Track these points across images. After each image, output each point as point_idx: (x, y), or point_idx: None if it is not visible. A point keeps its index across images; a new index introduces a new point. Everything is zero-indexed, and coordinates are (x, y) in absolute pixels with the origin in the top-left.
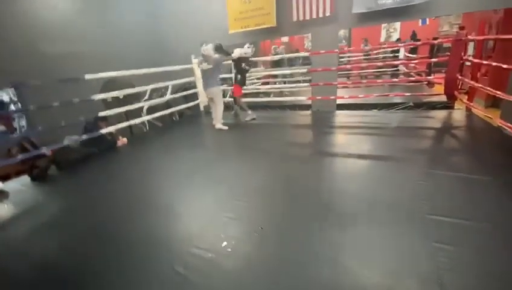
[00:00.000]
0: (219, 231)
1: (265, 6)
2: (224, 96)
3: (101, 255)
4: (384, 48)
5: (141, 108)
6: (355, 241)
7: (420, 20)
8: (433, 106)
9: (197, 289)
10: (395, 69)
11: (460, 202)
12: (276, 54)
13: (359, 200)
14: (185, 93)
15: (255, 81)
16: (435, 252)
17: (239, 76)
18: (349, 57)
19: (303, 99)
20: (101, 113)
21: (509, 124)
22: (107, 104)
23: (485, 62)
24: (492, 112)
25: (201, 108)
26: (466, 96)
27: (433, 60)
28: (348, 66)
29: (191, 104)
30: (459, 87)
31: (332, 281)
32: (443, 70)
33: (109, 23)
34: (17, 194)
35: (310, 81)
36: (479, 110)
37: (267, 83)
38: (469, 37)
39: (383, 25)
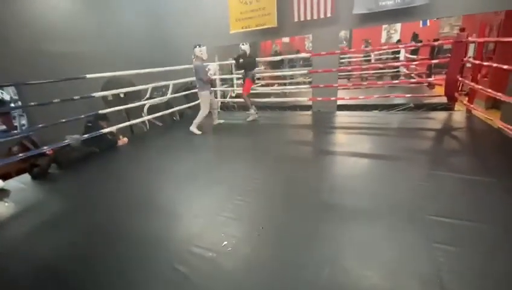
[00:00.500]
0: (219, 230)
1: (266, 7)
2: (224, 96)
3: (101, 254)
4: (384, 49)
5: (142, 108)
6: (355, 241)
7: (421, 22)
8: (434, 108)
9: (197, 288)
10: (395, 70)
11: (461, 203)
12: (275, 52)
13: (359, 201)
14: (185, 93)
15: (255, 81)
16: (435, 253)
17: (251, 72)
18: (349, 58)
19: (304, 100)
20: (102, 112)
21: (509, 126)
22: (107, 104)
23: (485, 63)
24: (492, 113)
25: None
26: (466, 98)
27: (434, 61)
28: (349, 68)
29: (192, 104)
30: (460, 88)
31: (332, 282)
32: (443, 72)
33: (110, 23)
34: (18, 193)
35: (310, 82)
36: (479, 112)
37: (272, 85)
38: (470, 38)
39: (384, 26)
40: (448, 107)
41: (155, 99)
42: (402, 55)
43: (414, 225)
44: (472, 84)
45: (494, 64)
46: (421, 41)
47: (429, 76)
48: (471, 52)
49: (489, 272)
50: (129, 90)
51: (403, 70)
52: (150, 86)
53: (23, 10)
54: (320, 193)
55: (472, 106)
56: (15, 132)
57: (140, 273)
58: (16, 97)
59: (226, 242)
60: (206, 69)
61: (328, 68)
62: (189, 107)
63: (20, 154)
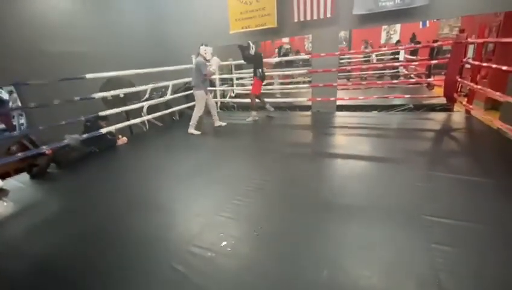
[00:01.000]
0: (219, 230)
1: (266, 7)
2: (224, 96)
3: (100, 253)
4: (384, 50)
5: (141, 107)
6: (354, 241)
7: (421, 23)
8: (433, 108)
9: (196, 288)
10: (395, 71)
11: (459, 203)
12: (287, 50)
13: (358, 201)
14: (185, 93)
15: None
16: (433, 253)
17: (259, 70)
18: (349, 58)
19: (303, 100)
20: (101, 113)
21: (508, 127)
22: (107, 103)
23: (484, 64)
24: (491, 114)
25: None
26: (465, 99)
27: (433, 62)
28: (348, 68)
29: (191, 103)
30: (459, 89)
31: (331, 282)
32: (443, 73)
33: (110, 23)
34: (17, 192)
35: (310, 82)
36: (478, 113)
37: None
38: (469, 39)
39: (384, 27)
40: (447, 108)
41: (155, 99)
42: (401, 56)
43: (413, 226)
44: (471, 85)
45: (494, 65)
46: (418, 43)
47: (428, 77)
48: (470, 53)
49: (487, 273)
50: (129, 91)
51: (402, 70)
52: (150, 86)
53: (23, 10)
54: (319, 193)
55: (471, 106)
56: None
57: (139, 272)
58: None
59: (225, 242)
60: (208, 64)
61: (328, 68)
62: (188, 107)
63: (19, 154)
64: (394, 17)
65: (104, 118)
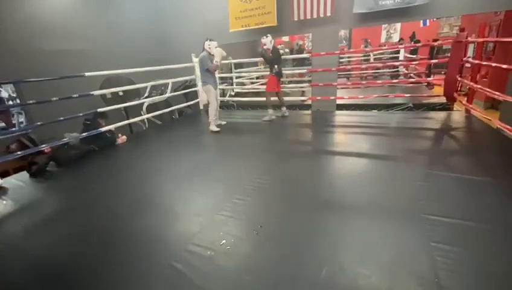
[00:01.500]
0: (218, 229)
1: (266, 6)
2: (224, 95)
3: (99, 252)
4: (384, 49)
5: (141, 106)
6: (353, 240)
7: (421, 21)
8: (433, 107)
9: (196, 286)
10: (395, 70)
11: (459, 202)
12: (300, 47)
13: (358, 200)
14: (185, 91)
15: (255, 80)
16: (433, 252)
17: (275, 66)
18: (349, 57)
19: (303, 99)
20: (101, 110)
21: (507, 126)
22: (106, 102)
23: (484, 63)
24: (491, 113)
25: (201, 106)
26: (465, 98)
27: (433, 61)
28: (348, 67)
29: (191, 102)
30: (459, 88)
31: (330, 281)
32: (443, 72)
33: (109, 21)
34: (16, 191)
35: (310, 81)
36: (478, 112)
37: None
38: (469, 38)
39: (384, 26)
40: (447, 107)
41: (154, 97)
42: (401, 55)
43: (412, 224)
44: (471, 84)
45: (494, 64)
46: (418, 41)
47: (428, 76)
48: (470, 52)
49: (487, 272)
50: (128, 88)
51: (402, 70)
52: (149, 84)
53: (22, 8)
54: (319, 192)
55: (471, 106)
56: (13, 129)
57: (138, 271)
58: (14, 95)
59: (224, 241)
60: (214, 53)
61: (328, 67)
62: (188, 106)
63: (18, 152)
64: (394, 15)
65: (104, 116)
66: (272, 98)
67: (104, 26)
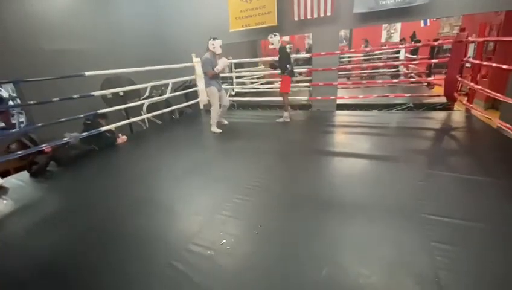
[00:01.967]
0: (218, 228)
1: (266, 5)
2: None
3: (99, 252)
4: (384, 48)
5: (141, 106)
6: (353, 240)
7: (422, 21)
8: (433, 107)
9: (196, 286)
10: (395, 70)
11: (459, 202)
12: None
13: (358, 199)
14: (185, 91)
15: (255, 80)
16: (433, 251)
17: (288, 65)
18: (349, 57)
19: (303, 98)
20: (101, 111)
21: (508, 126)
22: (107, 102)
23: (485, 63)
24: (491, 113)
25: (201, 106)
26: (466, 98)
27: (434, 61)
28: (349, 67)
29: (191, 102)
30: (459, 88)
31: (330, 280)
32: (443, 72)
33: (110, 21)
34: (17, 190)
35: (310, 81)
36: (478, 112)
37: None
38: (469, 38)
39: (384, 26)
40: (447, 107)
41: (154, 98)
42: (402, 55)
43: (412, 224)
44: (471, 84)
45: (494, 64)
46: (418, 41)
47: (429, 76)
48: (470, 52)
49: (487, 271)
50: (128, 88)
51: (403, 69)
52: (149, 84)
53: (22, 7)
54: (319, 191)
55: (471, 105)
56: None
57: (138, 270)
58: (15, 95)
59: (224, 240)
60: (218, 61)
61: (328, 67)
62: (188, 106)
63: (19, 152)
64: (394, 15)
65: (104, 116)
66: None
67: (104, 25)
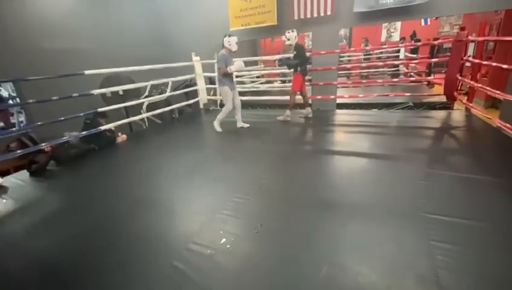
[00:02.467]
0: (218, 228)
1: (266, 5)
2: None
3: (99, 251)
4: (384, 47)
5: (141, 105)
6: (353, 239)
7: (422, 20)
8: (433, 106)
9: (196, 285)
10: (395, 69)
11: (459, 201)
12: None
13: (358, 199)
14: (185, 90)
15: (255, 79)
16: (433, 251)
17: (298, 65)
18: (349, 56)
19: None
20: (101, 109)
21: (508, 125)
22: (106, 101)
23: (485, 63)
24: (491, 112)
25: (201, 106)
26: (466, 97)
27: (433, 60)
28: (349, 66)
29: (191, 101)
30: (459, 87)
31: (330, 279)
32: (443, 71)
33: (109, 20)
34: (16, 190)
35: (310, 80)
36: (478, 111)
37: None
38: (469, 38)
39: (384, 25)
40: (447, 106)
41: (154, 97)
42: (402, 54)
43: (412, 223)
44: (471, 83)
45: (494, 64)
46: (418, 40)
47: (429, 75)
48: (470, 51)
49: (487, 270)
50: (128, 87)
51: (403, 69)
52: (149, 83)
53: (23, 7)
54: (319, 191)
55: (471, 105)
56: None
57: (139, 270)
58: (14, 94)
59: (224, 240)
60: (232, 61)
61: (328, 66)
62: (188, 105)
63: (18, 151)
64: (394, 14)
65: (104, 115)
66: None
67: (104, 24)
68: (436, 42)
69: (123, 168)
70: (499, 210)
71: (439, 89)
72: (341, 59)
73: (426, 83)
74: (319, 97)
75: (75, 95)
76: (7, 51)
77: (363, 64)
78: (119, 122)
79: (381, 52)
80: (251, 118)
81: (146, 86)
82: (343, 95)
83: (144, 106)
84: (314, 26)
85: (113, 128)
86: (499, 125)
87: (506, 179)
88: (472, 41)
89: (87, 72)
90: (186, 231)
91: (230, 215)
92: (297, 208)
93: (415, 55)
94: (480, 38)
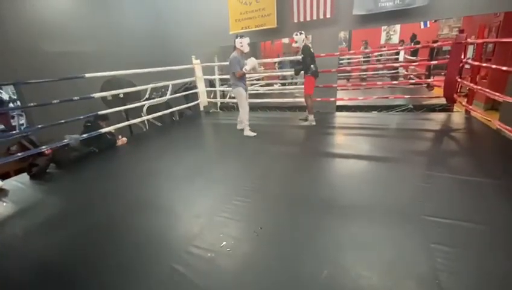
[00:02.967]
0: (218, 230)
1: (266, 8)
2: (224, 96)
3: (100, 254)
4: (384, 50)
5: (141, 107)
6: (354, 241)
7: (422, 23)
8: (433, 109)
9: (196, 288)
10: (394, 71)
11: (459, 203)
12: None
13: (358, 201)
14: (185, 93)
15: (255, 82)
16: (433, 253)
17: (312, 65)
18: (349, 59)
19: (303, 100)
20: (101, 113)
21: (507, 127)
22: (107, 103)
23: (484, 65)
24: (491, 114)
25: (201, 108)
26: (465, 99)
27: (433, 62)
28: (348, 68)
29: (191, 104)
30: (459, 90)
31: (330, 282)
32: (443, 73)
33: (110, 23)
34: (17, 192)
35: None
36: (478, 113)
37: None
38: (469, 40)
39: (383, 27)
40: (447, 108)
41: (155, 99)
42: (401, 56)
43: (412, 226)
44: (471, 85)
45: (493, 66)
46: (418, 43)
47: (428, 77)
48: (470, 53)
49: (487, 273)
50: (128, 90)
51: (402, 71)
52: (150, 86)
53: (23, 9)
54: (319, 193)
55: (471, 107)
56: (14, 132)
57: (139, 273)
58: (15, 97)
59: (225, 242)
60: (244, 62)
61: (328, 69)
62: (188, 108)
63: (19, 154)
64: (394, 17)
65: (104, 118)
66: (273, 100)
67: (104, 27)
68: (435, 44)
69: (123, 170)
70: (498, 212)
71: (438, 91)
72: (341, 62)
73: (426, 85)
74: (319, 99)
75: (75, 98)
76: (8, 54)
77: (363, 67)
78: (120, 125)
79: (381, 55)
80: (251, 120)
81: (146, 89)
82: (343, 97)
83: (144, 109)
84: (314, 29)
85: (113, 131)
86: (498, 127)
87: (505, 181)
88: (471, 43)
89: (87, 75)
90: (187, 233)
91: (231, 218)
92: (297, 211)
93: (414, 58)
94: (480, 41)
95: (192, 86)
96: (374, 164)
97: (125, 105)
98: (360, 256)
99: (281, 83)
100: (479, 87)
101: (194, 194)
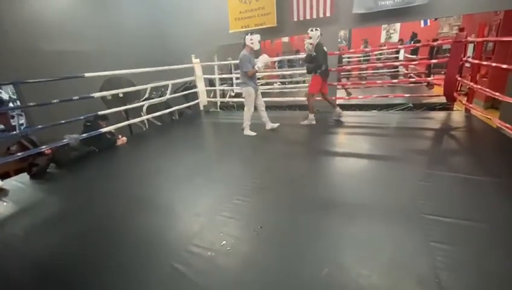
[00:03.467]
0: (218, 229)
1: (265, 6)
2: (224, 95)
3: (100, 253)
4: (384, 49)
5: (141, 107)
6: (354, 240)
7: (422, 21)
8: (433, 107)
9: (197, 287)
10: (394, 70)
11: (459, 202)
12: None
13: (358, 200)
14: (185, 92)
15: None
16: (433, 251)
17: (323, 65)
18: (349, 57)
19: (303, 99)
20: (101, 113)
21: (507, 125)
22: (107, 103)
23: (484, 63)
24: (491, 113)
25: (201, 107)
26: (465, 98)
27: (433, 61)
28: (348, 67)
29: (191, 103)
30: (459, 88)
31: (331, 281)
32: (443, 72)
33: (110, 22)
34: (17, 192)
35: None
36: (478, 112)
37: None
38: (469, 38)
39: (383, 26)
40: (447, 107)
41: (154, 99)
42: (401, 55)
43: (412, 224)
44: (471, 84)
45: (493, 64)
46: (418, 41)
47: (428, 76)
48: (470, 52)
49: (487, 271)
50: (128, 90)
51: (402, 70)
52: (149, 85)
53: (22, 8)
54: (319, 192)
55: (471, 105)
56: (14, 132)
57: (139, 272)
58: (15, 97)
59: (225, 241)
60: (255, 60)
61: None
62: (188, 107)
63: (19, 154)
64: (394, 16)
65: (104, 117)
66: (272, 99)
67: (104, 27)
68: (435, 43)
69: (123, 170)
70: (498, 211)
71: (438, 89)
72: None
73: (426, 84)
74: (319, 98)
75: (75, 98)
76: (7, 53)
77: (363, 66)
78: (120, 125)
79: (381, 54)
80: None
81: (146, 88)
82: (343, 96)
83: (144, 108)
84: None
85: (113, 131)
86: (498, 125)
87: (505, 179)
88: (471, 42)
89: (87, 74)
90: (187, 232)
91: (231, 217)
92: (297, 209)
93: (414, 56)
94: (480, 39)
95: (192, 85)
96: (373, 162)
97: (125, 104)
98: (360, 254)
99: (280, 82)
100: (479, 86)
101: (194, 193)
